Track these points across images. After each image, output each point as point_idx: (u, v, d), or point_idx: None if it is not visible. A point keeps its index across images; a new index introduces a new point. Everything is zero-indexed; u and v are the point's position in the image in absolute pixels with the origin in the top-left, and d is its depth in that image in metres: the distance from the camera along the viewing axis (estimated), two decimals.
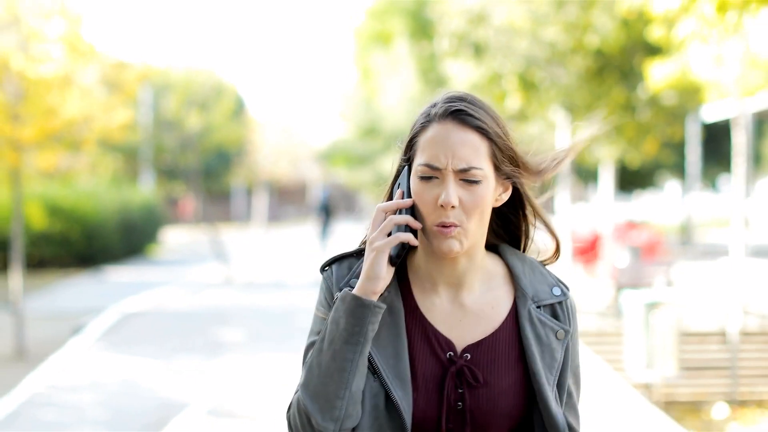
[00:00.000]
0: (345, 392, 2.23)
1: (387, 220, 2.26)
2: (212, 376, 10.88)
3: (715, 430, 7.57)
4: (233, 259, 25.58)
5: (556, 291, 2.39)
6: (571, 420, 2.37)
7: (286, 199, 58.97)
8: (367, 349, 2.25)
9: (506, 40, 13.06)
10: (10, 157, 13.27)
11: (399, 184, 2.33)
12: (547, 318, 2.35)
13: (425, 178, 2.25)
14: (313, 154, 50.99)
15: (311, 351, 2.30)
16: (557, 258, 2.49)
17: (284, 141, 48.67)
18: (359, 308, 2.22)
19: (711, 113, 19.52)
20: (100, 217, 25.46)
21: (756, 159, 34.27)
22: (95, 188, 27.63)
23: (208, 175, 41.12)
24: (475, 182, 2.23)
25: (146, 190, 33.17)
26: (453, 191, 2.22)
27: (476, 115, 2.26)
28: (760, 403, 8.14)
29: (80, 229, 24.44)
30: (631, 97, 13.32)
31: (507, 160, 2.28)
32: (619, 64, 13.14)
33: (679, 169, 29.65)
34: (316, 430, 2.24)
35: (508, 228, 2.45)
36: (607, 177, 18.78)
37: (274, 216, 54.46)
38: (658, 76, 10.33)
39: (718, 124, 23.49)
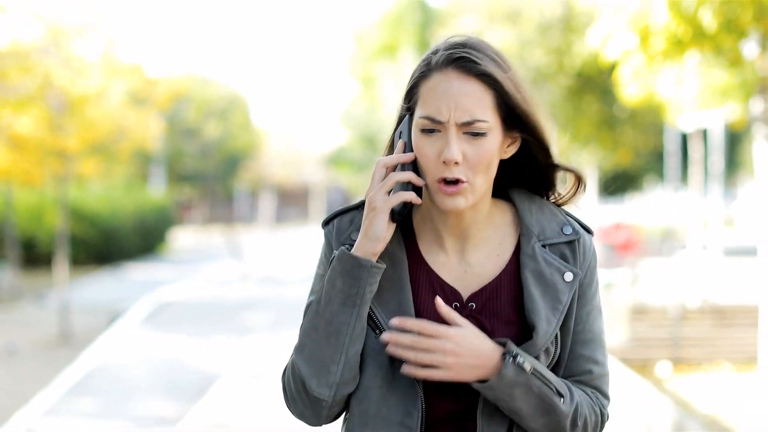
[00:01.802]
0: (341, 357, 2.10)
1: (388, 176, 2.11)
2: (241, 352, 12.62)
3: (658, 383, 9.28)
4: (247, 257, 27.35)
5: (567, 230, 2.19)
6: (590, 378, 2.19)
7: (289, 201, 60.41)
8: (365, 311, 2.11)
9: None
10: (54, 164, 14.97)
11: (401, 134, 2.16)
12: (553, 257, 2.16)
13: (427, 131, 2.07)
14: (315, 160, 52.54)
15: (308, 312, 2.17)
16: (575, 194, 2.26)
17: (288, 147, 50.55)
18: (356, 269, 2.08)
19: (688, 124, 21.16)
20: (118, 219, 27.14)
21: (734, 165, 35.93)
22: (112, 192, 29.29)
23: (215, 179, 42.88)
24: (480, 135, 2.06)
25: (157, 193, 34.97)
26: (456, 146, 2.04)
27: (480, 61, 2.07)
28: (695, 365, 9.94)
29: (98, 230, 26.07)
30: (606, 111, 15.05)
31: (515, 108, 2.09)
32: (596, 84, 14.81)
33: (671, 173, 31.21)
34: (311, 396, 2.13)
35: (529, 179, 2.26)
36: (590, 182, 20.49)
37: (277, 218, 56.22)
38: (630, 95, 11.98)
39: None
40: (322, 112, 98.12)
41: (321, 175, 54.04)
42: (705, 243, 17.66)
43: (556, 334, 2.14)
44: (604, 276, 12.08)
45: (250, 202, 56.75)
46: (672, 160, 25.74)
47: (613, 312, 10.01)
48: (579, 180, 2.24)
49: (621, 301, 10.30)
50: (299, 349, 2.15)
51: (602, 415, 2.19)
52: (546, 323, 2.11)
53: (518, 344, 2.10)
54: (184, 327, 15.02)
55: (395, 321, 2.07)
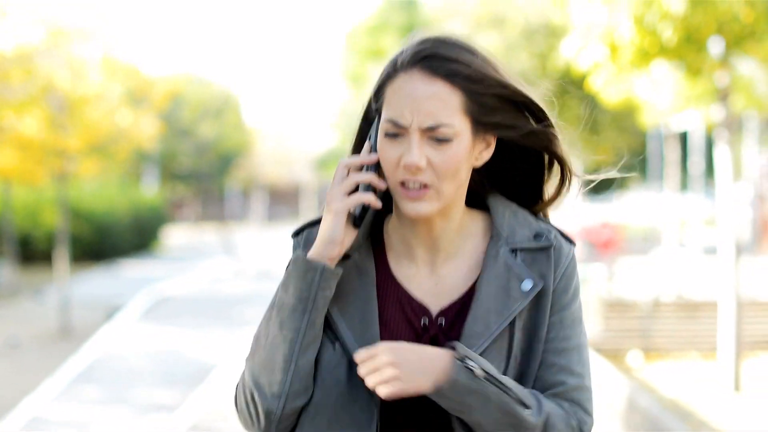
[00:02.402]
0: (290, 365, 1.98)
1: (348, 177, 2.00)
2: (236, 344, 13.19)
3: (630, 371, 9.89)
4: (240, 253, 27.99)
5: (540, 237, 2.07)
6: (564, 389, 2.03)
7: (279, 200, 60.99)
8: (319, 318, 1.99)
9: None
10: (55, 163, 15.51)
11: (370, 137, 2.06)
12: (516, 263, 2.04)
13: (390, 135, 1.97)
14: (306, 160, 53.18)
15: (261, 319, 2.06)
16: (560, 196, 2.15)
17: (279, 146, 51.31)
18: (310, 272, 1.97)
19: (667, 126, 21.74)
20: (113, 217, 27.68)
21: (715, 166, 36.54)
22: (105, 190, 29.80)
23: (209, 177, 43.48)
24: (445, 141, 1.94)
25: (150, 191, 35.55)
26: (418, 151, 1.94)
27: (447, 60, 1.96)
28: (665, 354, 10.60)
29: (93, 228, 26.55)
30: (587, 114, 15.60)
31: (489, 107, 1.97)
32: (578, 87, 15.38)
33: (654, 174, 31.85)
34: (258, 407, 2.01)
35: (514, 187, 2.16)
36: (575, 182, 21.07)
37: (269, 216, 56.83)
38: (608, 98, 12.54)
39: (681, 135, 25.70)
40: (313, 112, 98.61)
41: (312, 174, 54.66)
42: (683, 241, 18.29)
43: (515, 345, 2.02)
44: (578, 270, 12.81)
45: (242, 201, 57.34)
46: (653, 162, 26.40)
47: (588, 306, 10.73)
48: (565, 174, 2.14)
49: (596, 295, 10.98)
50: (249, 357, 2.05)
51: (581, 431, 2.02)
52: (482, 324, 1.99)
53: (497, 365, 1.99)
54: (181, 320, 15.59)
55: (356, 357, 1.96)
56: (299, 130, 56.15)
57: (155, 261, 28.13)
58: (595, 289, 11.67)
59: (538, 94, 2.12)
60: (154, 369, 11.89)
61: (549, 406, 1.98)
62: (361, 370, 1.92)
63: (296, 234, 2.15)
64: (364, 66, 29.77)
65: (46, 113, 15.03)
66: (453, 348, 1.93)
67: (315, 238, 2.04)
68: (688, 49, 7.20)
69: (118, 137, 16.14)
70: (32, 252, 25.07)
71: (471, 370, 1.90)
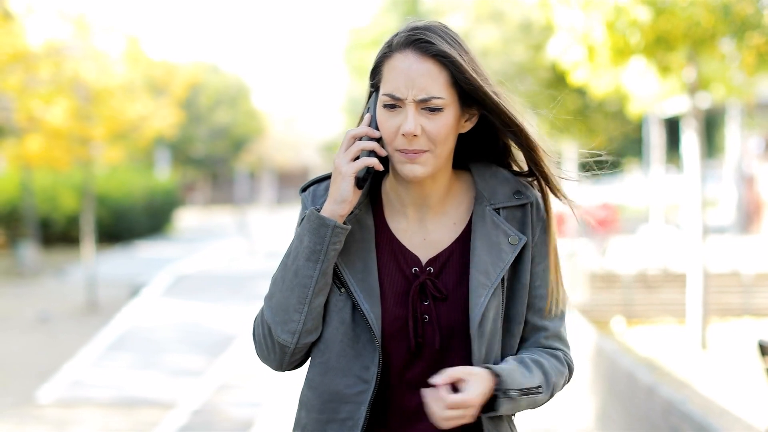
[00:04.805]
0: (304, 307, 2.25)
1: (354, 145, 2.23)
2: (253, 315, 14.19)
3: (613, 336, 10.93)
4: (253, 234, 29.02)
5: (518, 194, 2.34)
6: (551, 331, 2.36)
7: (288, 183, 61.54)
8: (330, 268, 2.25)
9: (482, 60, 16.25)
10: (80, 151, 16.43)
11: (369, 108, 2.30)
12: (501, 221, 2.31)
13: (389, 107, 2.21)
14: (314, 143, 53.77)
15: (279, 264, 2.32)
16: (539, 166, 2.35)
17: (288, 130, 52.16)
18: (322, 228, 2.22)
19: (667, 110, 22.51)
20: (128, 201, 28.57)
21: (713, 149, 37.49)
22: (122, 175, 30.60)
23: (222, 162, 44.25)
24: (437, 110, 2.19)
25: (163, 175, 36.38)
26: (413, 120, 2.18)
27: (436, 43, 2.20)
28: (645, 320, 11.66)
29: (110, 211, 27.34)
30: (578, 101, 16.62)
31: (468, 85, 2.22)
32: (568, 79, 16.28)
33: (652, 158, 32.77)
34: (275, 341, 2.28)
35: (489, 151, 2.41)
36: (569, 165, 22.02)
37: (278, 199, 57.65)
38: (599, 88, 13.42)
39: (675, 119, 26.50)
40: (320, 98, 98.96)
41: (319, 158, 55.24)
42: (678, 221, 19.17)
43: (505, 291, 2.29)
44: (568, 245, 13.93)
45: (251, 184, 58.04)
46: (646, 146, 27.24)
47: (579, 278, 11.77)
48: (538, 154, 2.31)
49: (588, 268, 12.06)
50: (268, 297, 2.31)
51: (569, 369, 2.38)
52: (484, 276, 2.25)
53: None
54: (201, 295, 16.67)
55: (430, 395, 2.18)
56: (307, 115, 56.80)
57: (170, 242, 29.07)
58: (588, 263, 12.78)
59: (495, 78, 2.33)
60: (181, 338, 12.96)
61: (549, 366, 2.32)
62: (448, 413, 2.14)
63: (303, 189, 2.42)
64: (367, 53, 30.27)
65: (72, 103, 15.81)
66: (495, 374, 2.20)
67: (320, 193, 2.36)
68: (657, 49, 8.17)
69: (139, 125, 17.00)
70: (52, 234, 25.92)
71: (511, 398, 2.21)
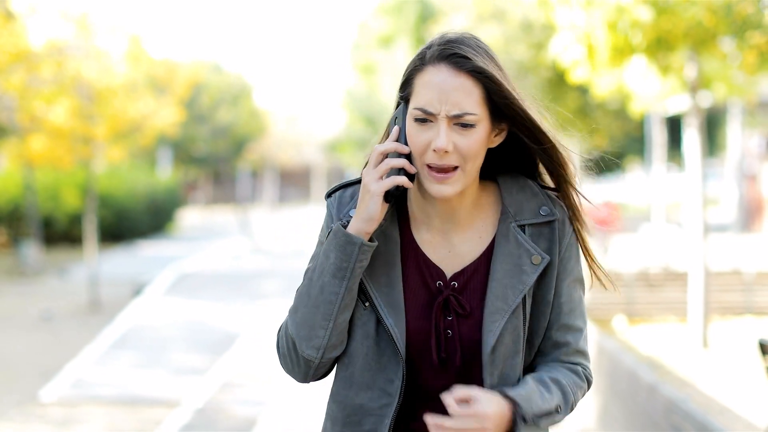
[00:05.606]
0: (329, 323, 2.24)
1: (383, 162, 2.20)
2: (256, 314, 14.26)
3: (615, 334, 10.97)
4: (256, 233, 29.05)
5: (545, 210, 2.30)
6: (573, 346, 2.34)
7: (290, 182, 61.64)
8: (356, 284, 2.24)
9: None
10: (83, 150, 16.48)
11: (396, 120, 2.27)
12: (525, 239, 2.28)
13: (420, 120, 2.19)
14: (316, 142, 53.82)
15: (304, 278, 2.30)
16: (563, 170, 2.33)
17: (290, 129, 52.21)
18: (349, 245, 2.20)
19: (669, 108, 22.56)
20: (130, 199, 28.60)
21: (714, 148, 37.51)
22: (123, 174, 30.64)
23: (224, 161, 44.30)
24: (469, 126, 2.17)
25: (165, 173, 36.41)
26: (445, 136, 2.16)
27: (471, 58, 2.18)
28: (647, 319, 11.71)
29: (111, 210, 27.34)
30: (580, 100, 16.65)
31: (502, 102, 2.20)
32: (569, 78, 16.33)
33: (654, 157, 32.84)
34: (300, 355, 2.28)
35: (517, 164, 2.37)
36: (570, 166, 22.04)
37: (280, 198, 57.72)
38: (601, 87, 13.47)
39: (677, 117, 26.55)
40: (323, 96, 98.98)
41: (321, 157, 55.30)
42: (681, 220, 19.19)
43: (527, 310, 2.28)
44: None
45: (252, 183, 58.11)
46: (648, 144, 27.30)
47: None
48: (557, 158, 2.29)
49: (584, 266, 12.07)
50: (293, 311, 2.30)
51: (588, 383, 2.36)
52: (501, 301, 2.23)
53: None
54: (204, 294, 16.70)
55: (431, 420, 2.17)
56: (309, 114, 56.87)
57: (172, 241, 29.09)
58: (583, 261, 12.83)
59: (529, 92, 2.33)
60: (184, 337, 13.00)
61: (568, 384, 2.30)
62: (461, 423, 2.14)
63: (329, 195, 2.40)
64: (374, 51, 30.21)
65: (74, 103, 15.87)
66: (512, 399, 2.19)
67: (346, 201, 2.35)
68: (658, 50, 8.20)
69: (142, 124, 17.04)
70: (54, 233, 25.95)
71: (532, 421, 2.21)
